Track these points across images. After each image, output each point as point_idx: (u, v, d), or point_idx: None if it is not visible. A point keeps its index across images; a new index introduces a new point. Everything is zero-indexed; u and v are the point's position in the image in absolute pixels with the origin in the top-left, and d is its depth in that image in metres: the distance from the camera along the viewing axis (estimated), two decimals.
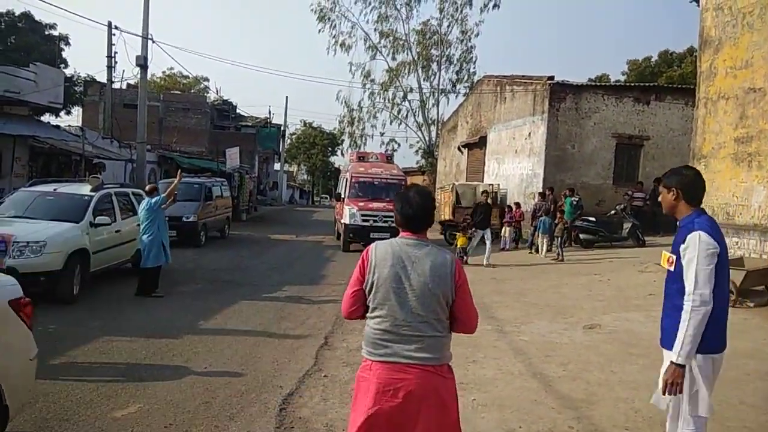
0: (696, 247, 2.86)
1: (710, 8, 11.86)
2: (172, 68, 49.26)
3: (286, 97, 51.05)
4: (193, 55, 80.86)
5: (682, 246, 2.95)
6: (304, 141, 66.42)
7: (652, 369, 5.31)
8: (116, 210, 9.65)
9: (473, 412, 4.54)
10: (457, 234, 13.73)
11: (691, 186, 3.05)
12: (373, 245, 2.71)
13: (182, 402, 4.70)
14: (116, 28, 20.50)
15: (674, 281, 3.01)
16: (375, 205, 15.49)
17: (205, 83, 47.96)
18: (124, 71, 39.78)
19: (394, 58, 35.25)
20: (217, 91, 50.26)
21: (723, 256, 2.94)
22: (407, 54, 35.09)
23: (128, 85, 31.75)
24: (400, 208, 2.70)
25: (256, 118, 43.44)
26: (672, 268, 3.04)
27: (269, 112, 47.48)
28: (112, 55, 21.12)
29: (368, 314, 2.70)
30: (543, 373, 5.57)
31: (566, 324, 7.64)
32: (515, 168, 20.66)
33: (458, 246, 13.11)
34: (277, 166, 50.66)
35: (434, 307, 2.57)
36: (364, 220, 15.11)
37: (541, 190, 17.04)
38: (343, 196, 16.48)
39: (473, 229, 13.66)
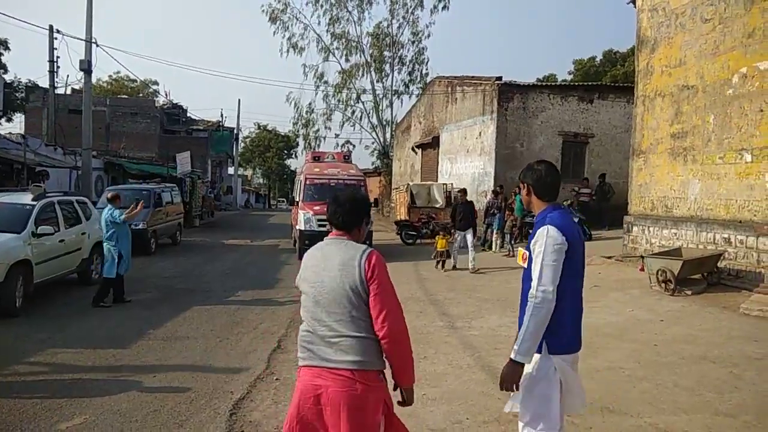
0: (543, 241, 2.68)
1: (646, 9, 12.39)
2: (118, 72, 47.93)
3: (239, 99, 50.56)
4: (140, 58, 78.80)
5: (533, 241, 2.78)
6: (259, 144, 65.67)
7: (591, 358, 5.56)
8: (60, 219, 9.36)
9: (422, 406, 4.64)
10: (437, 236, 12.67)
11: (541, 180, 2.87)
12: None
13: (130, 411, 4.63)
14: (58, 32, 19.86)
15: (528, 279, 2.79)
16: None
17: (154, 87, 46.89)
18: (68, 76, 38.56)
19: (347, 60, 35.32)
20: (166, 94, 49.13)
21: (577, 252, 2.75)
22: (360, 56, 35.22)
23: (73, 90, 30.72)
24: (330, 209, 2.70)
25: (208, 121, 42.71)
26: (525, 265, 2.85)
27: (221, 116, 46.73)
28: (54, 59, 20.45)
29: None
30: (491, 366, 5.73)
31: (515, 318, 7.82)
32: (467, 167, 21.03)
33: (437, 249, 12.26)
34: (231, 170, 49.89)
35: (347, 305, 2.46)
36: (320, 226, 13.65)
37: (492, 188, 17.40)
38: (297, 199, 15.46)
39: (454, 231, 12.56)
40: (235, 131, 45.06)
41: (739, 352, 6.17)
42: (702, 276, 9.55)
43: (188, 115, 41.27)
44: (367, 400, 2.41)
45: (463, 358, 6.12)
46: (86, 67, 17.67)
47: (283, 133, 60.70)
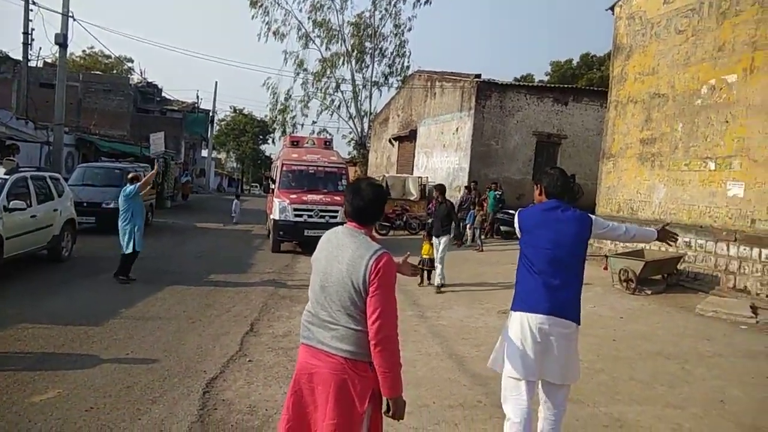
0: None
1: (623, 17, 12.73)
2: (92, 47, 46.77)
3: (216, 82, 49.79)
4: (116, 34, 76.93)
5: None
6: (234, 128, 64.96)
7: None
8: (32, 195, 9.24)
9: None
10: (424, 242, 10.06)
11: (552, 184, 3.58)
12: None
13: (102, 387, 4.70)
14: (33, 3, 19.32)
15: None
16: (310, 197, 13.37)
17: (129, 64, 45.88)
18: (40, 49, 37.44)
19: (327, 48, 35.12)
20: (141, 72, 48.10)
21: (532, 232, 3.45)
22: (341, 45, 35.07)
23: (45, 63, 29.93)
24: (350, 200, 2.65)
25: (183, 102, 42.02)
26: None
27: (197, 97, 46.01)
28: (29, 31, 19.89)
29: None
30: (458, 354, 5.95)
31: (482, 309, 8.11)
32: (443, 162, 21.27)
33: (423, 256, 9.79)
34: (204, 152, 49.26)
35: (348, 298, 2.51)
36: (296, 215, 13.02)
37: (466, 184, 17.66)
38: (273, 187, 14.38)
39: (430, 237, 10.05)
40: (211, 113, 44.50)
41: (691, 349, 6.51)
42: (662, 277, 9.94)
43: (163, 94, 40.53)
44: (355, 387, 2.48)
45: (432, 346, 6.32)
46: (62, 41, 17.24)
47: (259, 118, 60.17)
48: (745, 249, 8.97)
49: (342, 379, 2.48)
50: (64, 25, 17.18)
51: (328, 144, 16.44)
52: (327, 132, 37.15)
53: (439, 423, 4.32)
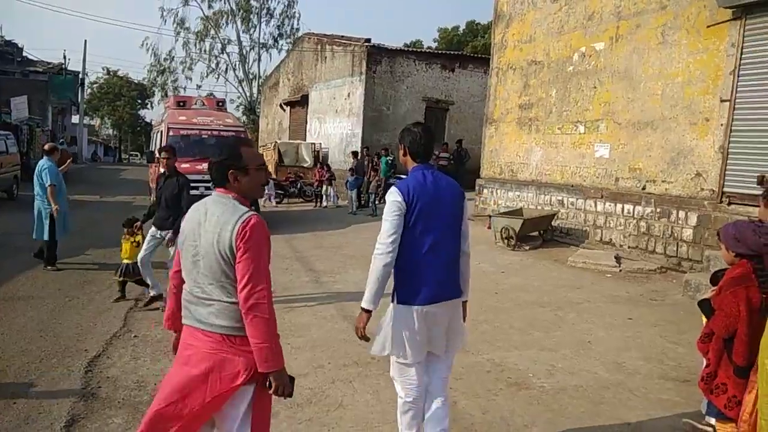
0: (387, 200, 2.97)
1: None
2: None
3: (85, 40, 45.13)
4: None
5: None
6: (108, 91, 60.06)
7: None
8: None
9: (288, 355, 4.80)
10: (124, 237, 6.77)
11: (415, 142, 3.08)
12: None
13: None
14: None
15: None
16: (205, 166, 11.18)
17: None
18: None
19: (210, 6, 33.32)
20: None
21: (418, 210, 2.91)
22: (224, 2, 33.39)
23: None
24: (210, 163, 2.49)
25: (48, 63, 38.07)
26: None
27: (64, 57, 41.84)
28: None
29: None
30: (352, 316, 6.06)
31: None
32: (335, 127, 21.20)
33: (122, 260, 6.67)
34: (75, 119, 45.21)
35: (219, 268, 2.30)
36: (192, 188, 11.30)
37: (356, 150, 17.76)
38: (158, 155, 12.74)
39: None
40: (81, 75, 40.74)
41: (563, 297, 7.15)
42: (539, 233, 10.74)
43: (24, 54, 36.44)
44: (234, 364, 2.29)
45: (328, 309, 6.42)
46: None
47: (136, 81, 56.11)
48: (609, 205, 9.88)
49: (221, 358, 2.29)
50: None
51: (221, 105, 14.57)
52: (214, 96, 35.53)
53: (335, 382, 4.44)
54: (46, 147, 8.20)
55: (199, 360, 2.32)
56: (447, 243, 2.99)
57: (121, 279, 6.58)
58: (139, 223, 6.77)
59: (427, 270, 2.93)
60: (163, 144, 11.70)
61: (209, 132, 12.44)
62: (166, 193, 6.43)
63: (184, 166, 11.04)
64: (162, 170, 6.69)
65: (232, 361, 2.29)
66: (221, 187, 2.44)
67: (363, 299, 2.98)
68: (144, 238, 6.52)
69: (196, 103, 13.97)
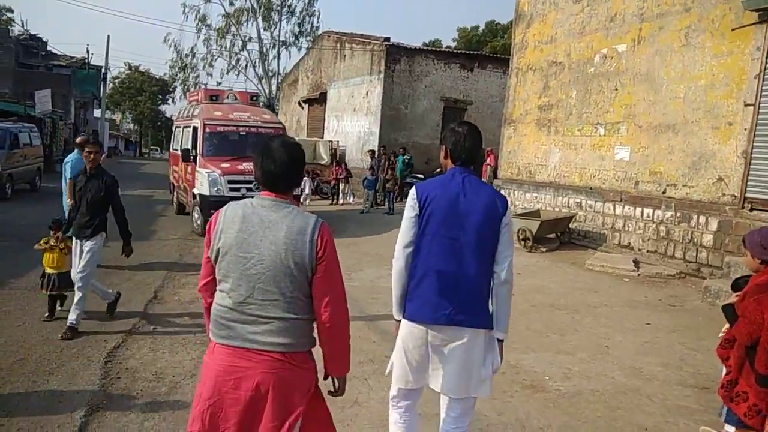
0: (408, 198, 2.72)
1: None
2: None
3: (108, 36, 45.65)
4: None
5: None
6: (130, 86, 60.71)
7: None
8: None
9: None
10: (44, 243, 5.71)
11: (458, 144, 2.70)
12: (224, 207, 2.27)
13: None
14: None
15: None
16: (246, 166, 10.47)
17: (8, 14, 41.33)
18: None
19: (231, 3, 33.52)
20: (22, 24, 43.56)
21: (435, 213, 2.59)
22: (246, 0, 33.57)
23: None
24: (260, 163, 2.21)
25: (72, 57, 38.63)
26: None
27: (87, 52, 42.23)
28: None
29: (217, 288, 2.25)
30: (368, 313, 6.11)
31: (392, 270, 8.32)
32: (353, 125, 21.24)
33: (45, 269, 5.66)
34: (97, 113, 45.78)
35: (287, 283, 2.12)
36: (233, 189, 10.41)
37: (373, 149, 17.81)
38: (195, 153, 11.32)
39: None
40: (103, 70, 41.26)
41: (580, 301, 7.10)
42: (556, 235, 10.66)
43: (49, 48, 37.01)
44: (295, 382, 2.16)
45: None
46: None
47: (158, 76, 56.65)
48: (629, 208, 9.78)
49: (280, 377, 2.12)
50: None
51: (254, 100, 13.86)
52: (246, 90, 35.77)
53: (350, 379, 4.40)
54: (78, 140, 7.96)
55: (254, 383, 2.11)
56: (464, 260, 2.57)
57: (50, 293, 5.52)
58: (61, 234, 5.63)
59: (433, 284, 2.60)
60: (203, 140, 11.26)
61: (247, 129, 11.71)
62: (88, 195, 5.48)
63: (224, 165, 10.78)
64: (86, 168, 5.65)
65: (294, 379, 2.16)
66: (275, 192, 2.21)
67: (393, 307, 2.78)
68: (68, 246, 5.60)
69: (228, 98, 13.21)
